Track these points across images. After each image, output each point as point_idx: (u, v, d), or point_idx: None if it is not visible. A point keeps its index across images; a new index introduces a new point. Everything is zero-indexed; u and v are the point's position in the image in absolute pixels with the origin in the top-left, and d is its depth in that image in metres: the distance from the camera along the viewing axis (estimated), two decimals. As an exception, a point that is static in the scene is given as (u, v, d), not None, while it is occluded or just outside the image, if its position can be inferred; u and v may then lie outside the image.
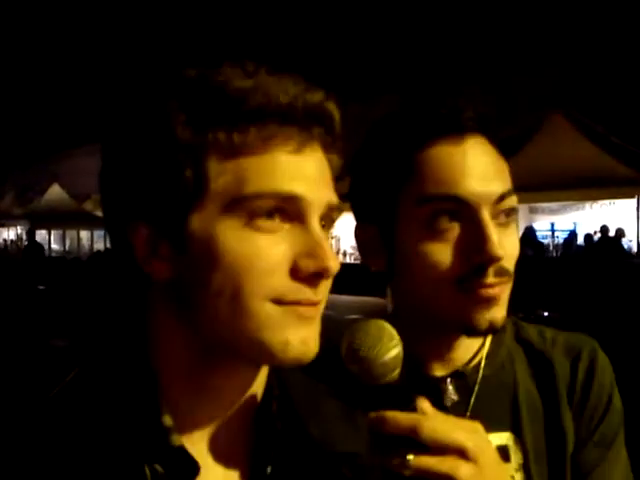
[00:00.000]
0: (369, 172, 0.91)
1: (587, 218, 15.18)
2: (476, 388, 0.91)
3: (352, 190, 0.96)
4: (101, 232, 25.75)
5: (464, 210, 0.83)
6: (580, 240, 13.43)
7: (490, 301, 0.84)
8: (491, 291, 0.84)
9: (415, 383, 0.85)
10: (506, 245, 0.85)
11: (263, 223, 0.63)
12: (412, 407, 0.66)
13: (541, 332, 0.99)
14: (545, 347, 0.96)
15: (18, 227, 25.62)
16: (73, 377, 0.70)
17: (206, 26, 23.16)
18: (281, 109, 0.63)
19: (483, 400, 0.90)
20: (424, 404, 0.66)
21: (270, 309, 0.63)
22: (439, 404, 0.80)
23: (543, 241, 14.24)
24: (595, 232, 12.68)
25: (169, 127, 0.63)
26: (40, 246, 14.57)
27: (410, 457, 0.63)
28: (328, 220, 0.68)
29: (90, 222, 23.48)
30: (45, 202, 22.43)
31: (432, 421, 0.65)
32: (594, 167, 12.33)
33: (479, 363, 0.93)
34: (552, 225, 15.51)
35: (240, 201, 0.62)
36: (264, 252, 0.62)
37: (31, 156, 27.12)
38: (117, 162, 0.68)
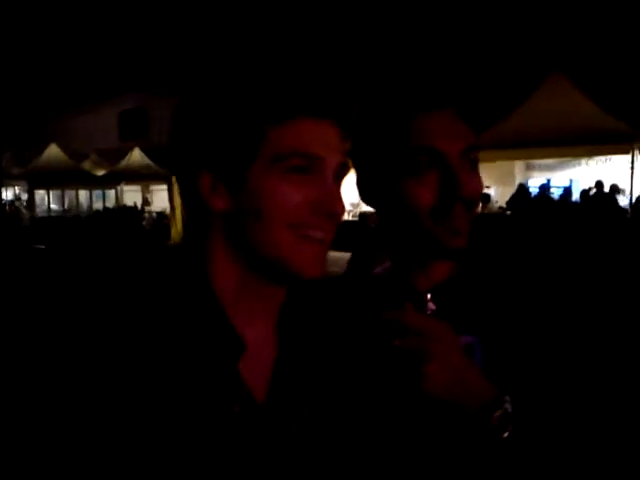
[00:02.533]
0: (371, 136, 1.14)
1: (583, 175, 15.29)
2: (449, 299, 1.13)
3: (356, 150, 1.17)
4: (99, 192, 25.89)
5: (438, 158, 1.07)
6: (576, 196, 13.56)
7: (459, 230, 1.08)
8: (458, 222, 1.07)
9: (406, 295, 1.10)
10: (472, 184, 1.08)
11: (294, 176, 0.85)
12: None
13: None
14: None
15: (16, 187, 25.65)
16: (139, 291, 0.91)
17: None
18: (313, 104, 0.86)
19: (455, 309, 1.12)
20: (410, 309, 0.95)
21: (290, 236, 0.86)
22: (422, 312, 1.07)
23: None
24: (590, 188, 12.80)
25: (239, 105, 0.85)
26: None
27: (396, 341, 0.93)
28: (339, 176, 0.91)
29: (88, 182, 23.51)
30: (43, 162, 22.42)
31: (412, 317, 0.95)
32: (590, 124, 12.41)
33: (453, 280, 1.16)
34: (548, 181, 15.61)
35: (280, 158, 0.85)
36: (290, 196, 0.85)
37: (29, 116, 26.99)
38: (192, 123, 0.88)
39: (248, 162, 0.85)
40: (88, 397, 0.80)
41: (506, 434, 0.98)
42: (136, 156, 21.78)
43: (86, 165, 23.80)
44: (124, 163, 22.03)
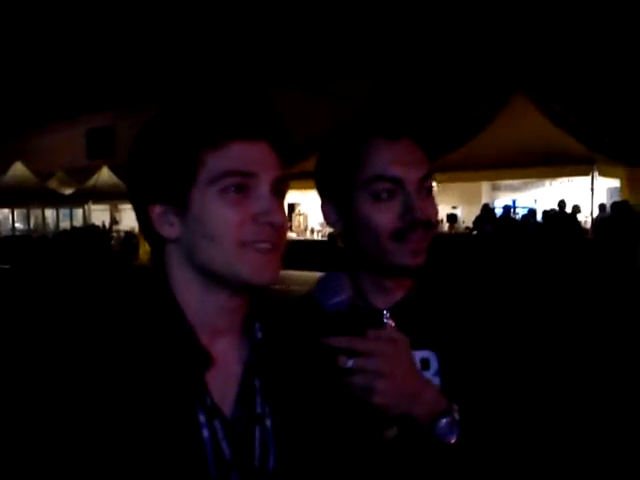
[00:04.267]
0: (330, 164, 1.23)
1: (547, 195, 15.63)
2: (407, 316, 1.20)
3: (318, 175, 1.27)
4: (67, 211, 25.53)
5: (398, 186, 1.16)
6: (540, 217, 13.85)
7: (418, 250, 1.16)
8: (418, 244, 1.16)
9: (366, 314, 1.17)
10: (429, 209, 1.17)
11: (232, 195, 0.91)
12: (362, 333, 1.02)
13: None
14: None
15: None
16: (108, 311, 0.97)
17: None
18: (238, 127, 0.93)
19: (413, 325, 1.18)
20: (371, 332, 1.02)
21: (238, 249, 0.91)
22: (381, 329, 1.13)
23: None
24: (552, 209, 13.11)
25: (175, 135, 0.93)
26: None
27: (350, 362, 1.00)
28: (279, 190, 0.95)
29: (55, 201, 23.19)
30: (8, 180, 22.09)
31: (358, 342, 1.01)
32: (553, 146, 12.77)
33: (411, 298, 1.23)
34: (513, 202, 15.93)
35: (215, 179, 0.91)
36: (231, 216, 0.91)
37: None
38: (139, 159, 0.95)
39: (188, 187, 0.91)
40: (60, 408, 0.86)
41: (453, 440, 1.05)
42: (104, 175, 21.61)
43: (53, 183, 23.51)
44: (92, 182, 21.84)
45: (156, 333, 0.92)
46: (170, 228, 0.93)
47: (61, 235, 20.58)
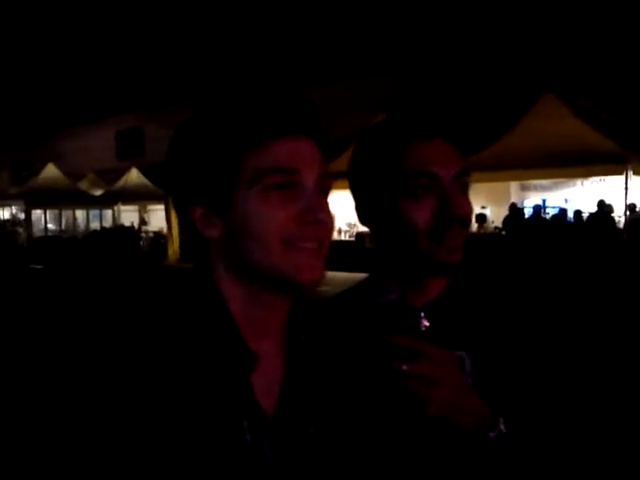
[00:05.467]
0: (365, 165, 1.22)
1: (578, 195, 15.39)
2: (441, 316, 1.19)
3: (352, 176, 1.26)
4: (96, 211, 25.91)
5: (435, 182, 1.15)
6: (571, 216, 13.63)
7: (454, 247, 1.15)
8: (454, 240, 1.15)
9: (402, 311, 1.13)
10: (465, 206, 1.16)
11: (275, 193, 0.89)
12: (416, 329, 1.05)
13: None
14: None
15: (13, 207, 25.65)
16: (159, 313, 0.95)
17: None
18: (282, 125, 0.91)
19: (448, 325, 1.19)
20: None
21: (283, 248, 0.89)
22: (416, 328, 1.13)
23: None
24: (581, 212, 12.89)
25: (217, 137, 0.91)
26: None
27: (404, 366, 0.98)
28: (322, 187, 0.94)
29: (85, 202, 23.55)
30: (40, 181, 22.49)
31: (424, 344, 1.01)
32: (584, 145, 12.53)
33: (445, 297, 1.22)
34: (543, 202, 15.71)
35: (258, 178, 0.89)
36: (274, 214, 0.89)
37: (27, 136, 27.11)
38: (181, 162, 0.95)
39: (232, 188, 0.90)
40: (108, 411, 0.85)
41: (501, 453, 1.04)
42: (133, 176, 21.86)
43: (83, 185, 23.85)
44: (121, 183, 22.10)
45: (204, 334, 0.91)
46: (213, 229, 0.93)
47: (91, 236, 20.87)
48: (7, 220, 25.52)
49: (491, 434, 1.04)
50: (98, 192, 23.30)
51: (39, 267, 17.07)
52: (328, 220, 0.92)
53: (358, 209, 1.25)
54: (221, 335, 0.92)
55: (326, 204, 0.93)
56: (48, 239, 21.87)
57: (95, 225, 24.95)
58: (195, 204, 0.93)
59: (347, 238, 16.42)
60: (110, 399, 0.85)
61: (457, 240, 1.15)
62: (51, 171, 22.79)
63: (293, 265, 0.90)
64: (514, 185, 16.53)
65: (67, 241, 20.76)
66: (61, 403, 0.88)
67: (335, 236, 17.20)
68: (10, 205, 25.59)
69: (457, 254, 1.16)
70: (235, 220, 0.91)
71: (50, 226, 25.83)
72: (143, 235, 21.75)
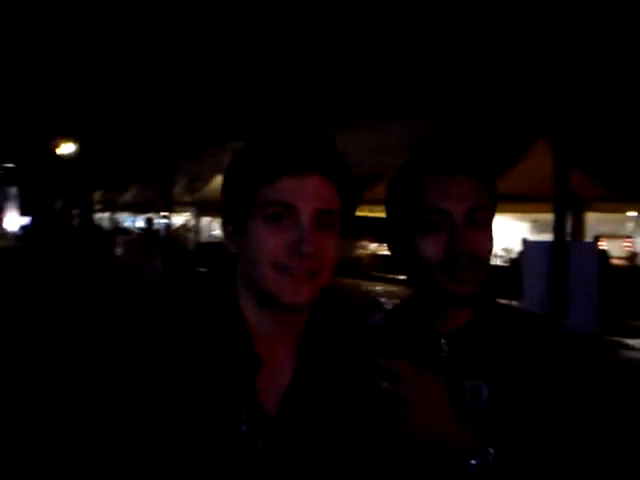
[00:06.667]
0: (391, 196, 1.31)
1: None
2: (463, 344, 1.25)
3: (385, 206, 1.32)
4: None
5: (445, 218, 1.20)
6: None
7: (464, 280, 1.19)
8: (463, 274, 1.19)
9: (425, 338, 1.24)
10: (473, 241, 1.19)
11: (272, 223, 1.03)
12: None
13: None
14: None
15: (187, 214, 27.74)
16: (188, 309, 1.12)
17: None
18: (289, 164, 1.03)
19: (466, 354, 1.24)
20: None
21: (272, 271, 1.03)
22: (437, 354, 1.22)
23: None
24: None
25: (242, 173, 1.08)
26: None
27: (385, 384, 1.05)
28: (321, 221, 1.04)
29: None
30: (210, 191, 24.14)
31: (404, 366, 1.06)
32: None
33: (472, 325, 1.27)
34: None
35: (260, 207, 1.04)
36: (268, 240, 1.03)
37: (200, 147, 29.24)
38: (223, 190, 1.14)
39: (247, 214, 1.06)
40: (140, 389, 1.03)
41: None
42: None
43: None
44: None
45: (221, 336, 1.06)
46: (234, 246, 1.09)
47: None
48: (181, 226, 27.65)
49: (472, 461, 1.06)
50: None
51: (203, 270, 18.33)
52: (312, 252, 1.01)
53: (386, 239, 1.33)
54: (234, 339, 1.06)
55: (321, 237, 1.02)
56: (213, 245, 23.40)
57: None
58: (227, 223, 1.12)
59: (501, 263, 15.87)
60: (131, 377, 1.03)
61: (467, 274, 1.19)
62: (219, 182, 24.16)
63: (279, 288, 1.02)
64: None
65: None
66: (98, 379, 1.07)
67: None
68: (184, 212, 27.75)
69: (468, 287, 1.20)
70: (245, 241, 1.06)
71: (215, 232, 27.65)
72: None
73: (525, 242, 12.53)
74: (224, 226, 1.13)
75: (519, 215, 15.74)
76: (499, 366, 1.22)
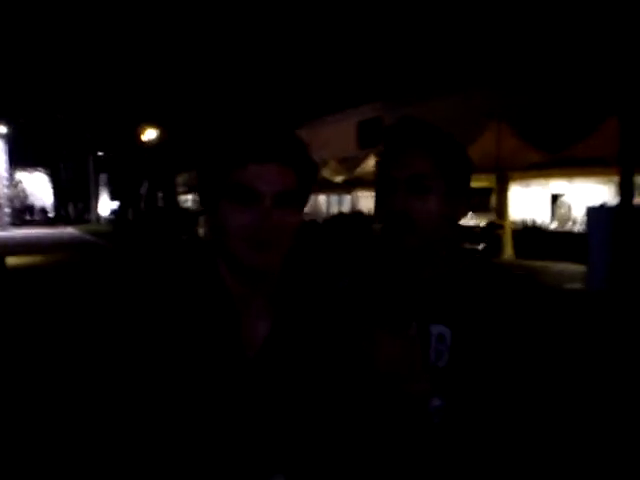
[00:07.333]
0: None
1: None
2: (430, 293, 1.37)
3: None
4: (336, 197, 27.38)
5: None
6: None
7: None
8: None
9: (397, 287, 1.38)
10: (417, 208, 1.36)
11: (236, 205, 1.20)
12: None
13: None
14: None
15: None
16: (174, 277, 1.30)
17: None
18: (253, 153, 1.20)
19: (433, 300, 1.35)
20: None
21: (240, 243, 1.20)
22: (408, 300, 1.36)
23: None
24: None
25: (216, 165, 1.24)
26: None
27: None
28: (281, 202, 1.20)
29: (327, 187, 25.04)
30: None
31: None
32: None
33: (437, 277, 1.38)
34: None
35: (228, 189, 1.21)
36: (233, 219, 1.20)
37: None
38: (199, 177, 1.28)
39: (219, 196, 1.23)
40: (140, 347, 1.22)
41: (437, 421, 1.20)
42: (370, 164, 22.73)
43: (326, 172, 25.35)
44: (359, 170, 23.15)
45: (207, 298, 1.26)
46: (211, 221, 1.27)
47: (330, 219, 22.21)
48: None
49: (433, 403, 1.19)
50: (339, 179, 24.67)
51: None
52: (275, 227, 1.19)
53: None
54: (218, 299, 1.26)
55: (279, 214, 1.20)
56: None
57: (335, 209, 26.44)
58: (202, 204, 1.29)
59: (582, 230, 15.47)
60: (141, 328, 1.23)
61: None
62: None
63: (246, 257, 1.21)
64: None
65: (309, 224, 22.35)
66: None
67: (568, 227, 16.15)
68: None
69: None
70: (219, 219, 1.23)
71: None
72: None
73: (588, 210, 12.24)
74: (209, 208, 1.28)
75: (604, 178, 15.23)
76: (463, 315, 1.30)
